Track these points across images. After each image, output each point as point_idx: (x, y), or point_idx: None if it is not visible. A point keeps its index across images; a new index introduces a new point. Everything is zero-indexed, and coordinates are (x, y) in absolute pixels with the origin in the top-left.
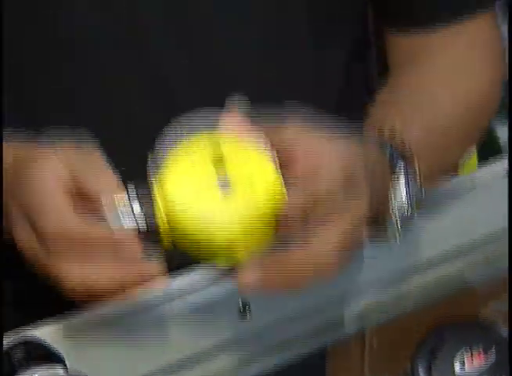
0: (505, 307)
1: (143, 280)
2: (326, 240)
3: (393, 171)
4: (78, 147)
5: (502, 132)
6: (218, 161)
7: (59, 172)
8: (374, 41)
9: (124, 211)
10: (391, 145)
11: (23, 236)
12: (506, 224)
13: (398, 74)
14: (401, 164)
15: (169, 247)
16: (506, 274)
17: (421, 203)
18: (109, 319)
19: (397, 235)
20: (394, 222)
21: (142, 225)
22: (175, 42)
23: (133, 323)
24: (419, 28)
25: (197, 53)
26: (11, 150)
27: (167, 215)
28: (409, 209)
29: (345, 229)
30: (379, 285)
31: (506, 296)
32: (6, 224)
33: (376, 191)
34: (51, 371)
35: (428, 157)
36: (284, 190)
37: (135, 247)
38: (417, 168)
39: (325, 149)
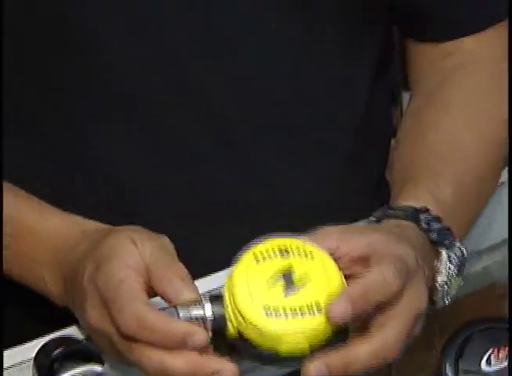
0: None
1: (216, 373)
2: (390, 337)
3: (431, 239)
4: (154, 238)
5: None
6: (283, 257)
7: (139, 267)
8: (397, 53)
9: (195, 314)
10: (426, 216)
11: (99, 320)
12: None
13: (420, 111)
14: (439, 231)
15: (234, 337)
16: None
17: (464, 264)
18: None
19: (446, 301)
20: (442, 292)
21: (211, 325)
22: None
23: None
24: (444, 39)
25: (234, 69)
26: (76, 223)
27: (233, 311)
28: (455, 277)
29: (409, 324)
30: None
31: None
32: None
33: (428, 269)
34: (88, 368)
35: (462, 216)
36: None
37: (204, 336)
38: (458, 232)
39: (388, 251)
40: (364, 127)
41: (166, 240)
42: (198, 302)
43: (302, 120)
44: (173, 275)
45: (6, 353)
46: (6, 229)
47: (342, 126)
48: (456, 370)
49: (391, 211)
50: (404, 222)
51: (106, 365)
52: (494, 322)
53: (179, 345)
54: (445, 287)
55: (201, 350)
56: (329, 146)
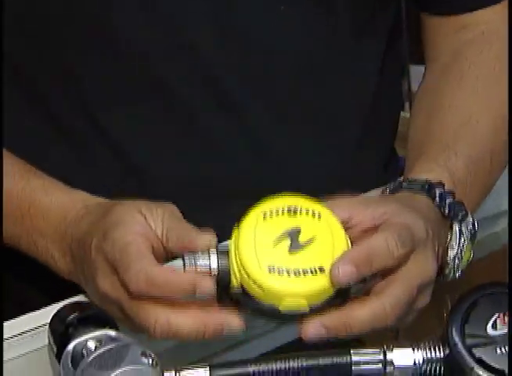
0: None
1: (222, 327)
2: (389, 302)
3: (444, 213)
4: (163, 205)
5: None
6: (291, 215)
7: (146, 233)
8: (405, 28)
9: (201, 263)
10: (440, 187)
11: (109, 288)
12: None
13: (435, 86)
14: (452, 205)
15: (237, 290)
16: None
17: (476, 237)
18: None
19: (457, 274)
20: (453, 265)
21: (215, 274)
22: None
23: None
24: (459, 11)
25: (246, 52)
26: (80, 199)
27: (238, 266)
28: (466, 246)
29: (410, 291)
30: None
31: None
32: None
33: (438, 243)
34: (103, 332)
35: (474, 191)
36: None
37: (209, 285)
38: (469, 206)
39: (398, 218)
40: (375, 102)
41: (174, 207)
42: (205, 253)
43: (314, 97)
44: (189, 230)
45: (22, 319)
46: (12, 202)
47: (354, 102)
48: (463, 335)
49: (405, 184)
50: (418, 196)
51: (120, 330)
52: (500, 287)
53: (187, 294)
54: (456, 260)
55: (206, 302)
56: (341, 122)
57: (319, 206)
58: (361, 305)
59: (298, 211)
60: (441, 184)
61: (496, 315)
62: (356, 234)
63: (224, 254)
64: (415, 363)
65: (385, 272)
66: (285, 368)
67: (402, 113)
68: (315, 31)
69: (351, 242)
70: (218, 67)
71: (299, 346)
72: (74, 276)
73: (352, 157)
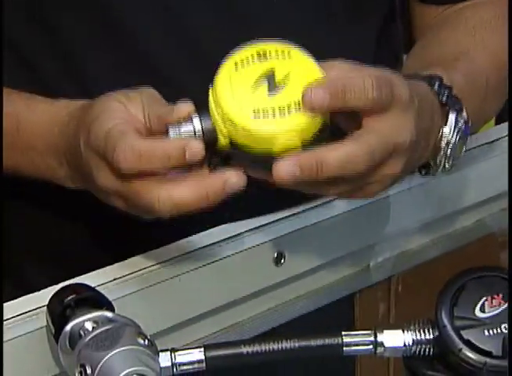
0: None
1: (223, 186)
2: (361, 149)
3: (442, 102)
4: (137, 91)
5: None
6: (262, 60)
7: (127, 117)
8: (399, 15)
9: (185, 130)
10: (439, 80)
11: (106, 180)
12: None
13: (429, 35)
14: (449, 96)
15: (226, 148)
16: None
17: (468, 133)
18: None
19: (447, 164)
20: (445, 154)
21: (201, 135)
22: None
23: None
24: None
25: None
26: (63, 106)
27: (222, 120)
28: (459, 140)
29: (384, 145)
30: (405, 235)
31: None
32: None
33: (428, 124)
34: (100, 314)
35: (470, 102)
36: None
37: (198, 145)
38: (463, 104)
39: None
40: None
41: (153, 90)
42: (187, 119)
43: None
44: (169, 107)
45: (21, 300)
46: (1, 131)
47: None
48: (451, 317)
49: (405, 77)
50: (419, 82)
51: (116, 311)
52: (488, 270)
53: (179, 161)
54: (449, 149)
55: (199, 172)
56: None
57: (287, 46)
58: (335, 147)
59: (268, 55)
60: (440, 78)
61: (484, 298)
62: None
63: (205, 115)
64: (405, 345)
65: (361, 118)
66: (277, 349)
67: None
68: (313, 17)
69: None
70: (215, 55)
71: (292, 328)
72: (76, 181)
73: None
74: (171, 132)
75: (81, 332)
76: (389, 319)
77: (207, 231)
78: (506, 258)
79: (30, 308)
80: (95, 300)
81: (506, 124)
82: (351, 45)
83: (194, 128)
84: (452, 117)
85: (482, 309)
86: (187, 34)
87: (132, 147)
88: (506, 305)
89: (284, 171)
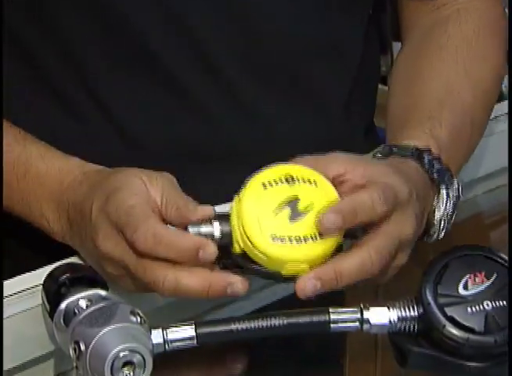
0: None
1: (226, 286)
2: (372, 254)
3: (432, 178)
4: (161, 175)
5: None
6: (289, 184)
7: (148, 198)
8: (389, 5)
9: (204, 231)
10: (428, 153)
11: (112, 249)
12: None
13: (413, 57)
14: (440, 171)
15: (239, 255)
16: None
17: (459, 199)
18: None
19: (440, 235)
20: (439, 226)
21: (218, 240)
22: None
23: None
24: None
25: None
26: (77, 165)
27: (240, 234)
28: (452, 212)
29: (390, 245)
30: None
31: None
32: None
33: (424, 205)
34: (93, 292)
35: (458, 154)
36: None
37: (214, 249)
38: (453, 171)
39: (379, 178)
40: (358, 75)
41: (173, 177)
42: (207, 221)
43: (302, 66)
44: (187, 201)
45: (18, 279)
46: (7, 168)
47: (339, 73)
48: (435, 295)
49: (395, 150)
50: (408, 160)
51: (110, 290)
52: (471, 249)
53: (192, 258)
54: (442, 222)
55: (208, 266)
56: (327, 90)
57: (315, 174)
58: (348, 256)
59: (296, 180)
60: (429, 150)
61: (467, 276)
62: (346, 189)
63: (225, 221)
64: (390, 322)
65: (368, 228)
66: (267, 326)
67: (385, 87)
68: (305, 4)
69: (340, 197)
70: (208, 40)
71: (281, 306)
72: (69, 238)
73: (336, 124)
74: (191, 229)
75: (76, 310)
76: (377, 298)
77: None
78: (491, 238)
79: (26, 286)
80: (89, 279)
81: (502, 104)
82: (342, 32)
83: (213, 232)
84: (443, 192)
85: (465, 287)
86: (186, 30)
87: (154, 231)
88: (488, 282)
89: (307, 287)
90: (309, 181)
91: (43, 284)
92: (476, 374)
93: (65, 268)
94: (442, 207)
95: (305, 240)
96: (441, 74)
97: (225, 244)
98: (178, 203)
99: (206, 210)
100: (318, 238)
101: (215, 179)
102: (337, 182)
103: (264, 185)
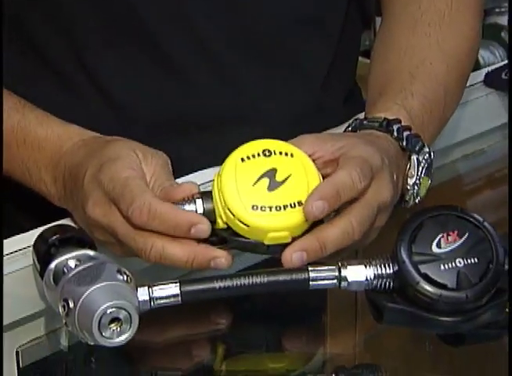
0: None
1: (210, 259)
2: (354, 221)
3: (402, 146)
4: (154, 154)
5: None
6: (266, 157)
7: (141, 173)
8: None
9: (187, 208)
10: (398, 123)
11: (101, 216)
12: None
13: (390, 32)
14: (409, 139)
15: (223, 230)
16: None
17: (432, 166)
18: None
19: (417, 200)
20: (413, 192)
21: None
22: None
23: None
24: None
25: None
26: (77, 132)
27: (223, 207)
28: (424, 176)
29: (370, 211)
30: None
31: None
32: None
33: (397, 172)
34: (82, 252)
35: (431, 125)
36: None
37: (207, 227)
38: (426, 139)
39: (357, 152)
40: (339, 48)
41: (167, 159)
42: (190, 199)
43: (286, 42)
44: (173, 182)
45: (12, 239)
46: (7, 134)
47: (322, 47)
48: (410, 253)
49: (365, 123)
50: (377, 132)
51: (98, 250)
52: (444, 209)
53: (184, 233)
54: (415, 187)
55: (196, 240)
56: (310, 65)
57: (291, 147)
58: (331, 226)
59: (272, 153)
60: (398, 120)
61: (440, 235)
62: (319, 166)
63: (207, 198)
64: (367, 279)
65: (350, 200)
66: (248, 284)
67: (368, 60)
68: None
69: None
70: (196, 13)
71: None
72: (64, 202)
73: (317, 94)
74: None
75: (65, 269)
76: (354, 257)
77: (191, 174)
78: (467, 201)
79: (17, 248)
80: (78, 239)
81: (479, 72)
82: (325, 6)
83: (196, 209)
84: (414, 158)
85: (438, 245)
86: (174, 3)
87: (150, 206)
88: (460, 241)
89: (293, 258)
90: (286, 153)
91: (33, 245)
92: (448, 328)
93: (55, 229)
94: (414, 173)
95: (285, 207)
96: (414, 48)
97: (208, 219)
98: (164, 184)
99: (189, 187)
100: (297, 206)
101: (202, 148)
102: None
103: (242, 159)
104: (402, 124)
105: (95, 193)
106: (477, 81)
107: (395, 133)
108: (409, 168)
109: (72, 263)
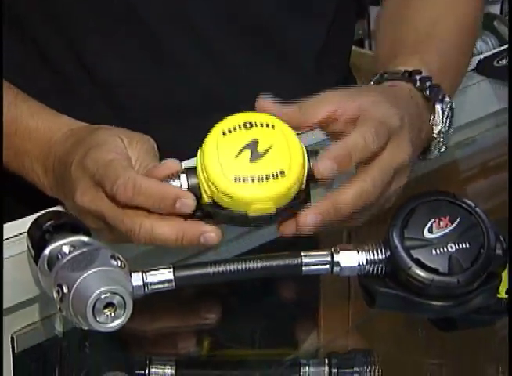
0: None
1: (199, 235)
2: (369, 183)
3: (426, 96)
4: (142, 140)
5: None
6: (247, 129)
7: (125, 155)
8: None
9: (172, 184)
10: (419, 74)
11: (89, 202)
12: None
13: (398, 3)
14: (431, 88)
15: (208, 205)
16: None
17: (453, 116)
18: None
19: (442, 149)
20: (439, 141)
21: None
22: None
23: None
24: None
25: None
26: (66, 123)
27: (206, 181)
28: (449, 124)
29: (386, 174)
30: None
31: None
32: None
33: (420, 126)
34: (76, 238)
35: (448, 77)
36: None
37: (192, 201)
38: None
39: (373, 110)
40: (331, 33)
41: (153, 142)
42: (175, 175)
43: (277, 25)
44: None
45: (6, 226)
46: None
47: (312, 30)
48: (402, 238)
49: (386, 76)
50: (400, 83)
51: (92, 236)
52: (436, 195)
53: (170, 207)
54: (441, 136)
55: (183, 217)
56: (300, 48)
57: (272, 118)
58: (346, 188)
59: (253, 125)
60: (419, 71)
61: (432, 220)
62: (341, 126)
63: (192, 174)
64: (359, 264)
65: (364, 162)
66: (242, 269)
67: (362, 50)
68: None
69: (336, 134)
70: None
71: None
72: (55, 192)
73: (308, 77)
74: None
75: (59, 255)
76: (347, 243)
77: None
78: (463, 187)
79: (11, 234)
80: (72, 225)
81: (474, 59)
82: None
83: (181, 185)
84: (438, 107)
85: (430, 230)
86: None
87: (135, 181)
88: (452, 226)
89: (308, 219)
90: (267, 125)
91: (28, 231)
92: (439, 312)
93: (49, 215)
94: (439, 122)
95: (267, 178)
96: (425, 12)
97: (193, 195)
98: (147, 166)
99: (172, 164)
100: (279, 176)
101: (191, 129)
102: (330, 121)
103: (223, 132)
104: (423, 74)
105: (82, 180)
106: (469, 68)
107: (418, 83)
108: (434, 117)
109: (66, 249)
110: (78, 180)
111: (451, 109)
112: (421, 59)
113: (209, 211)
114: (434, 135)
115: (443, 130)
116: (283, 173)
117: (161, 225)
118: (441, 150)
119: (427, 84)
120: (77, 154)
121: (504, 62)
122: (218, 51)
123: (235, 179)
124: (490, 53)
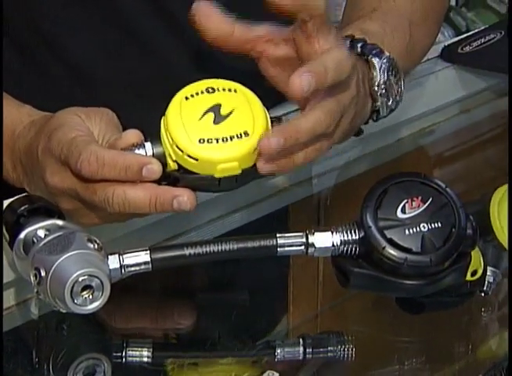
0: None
1: (173, 199)
2: (322, 113)
3: (358, 53)
4: (97, 111)
5: None
6: (210, 94)
7: (87, 131)
8: None
9: (138, 152)
10: (349, 39)
11: (59, 181)
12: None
13: None
14: (363, 46)
15: (174, 171)
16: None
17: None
18: None
19: (390, 103)
20: (381, 93)
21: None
22: None
23: None
24: None
25: None
26: (27, 113)
27: (171, 146)
28: (390, 77)
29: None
30: (334, 152)
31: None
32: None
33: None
34: (51, 222)
35: (393, 46)
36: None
37: (158, 166)
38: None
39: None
40: None
41: (112, 113)
42: (139, 143)
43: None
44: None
45: None
46: None
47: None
48: (375, 219)
49: None
50: None
51: (70, 220)
52: (408, 176)
53: (136, 175)
54: (383, 88)
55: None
56: None
57: (235, 84)
58: (303, 117)
59: (216, 90)
60: (350, 35)
61: (405, 200)
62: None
63: (156, 141)
64: (333, 245)
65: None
66: (218, 250)
67: None
68: None
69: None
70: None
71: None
72: (26, 185)
73: None
74: None
75: (34, 239)
76: (320, 225)
77: None
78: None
79: None
80: (46, 209)
81: (435, 47)
82: None
83: (146, 153)
84: (374, 60)
85: (403, 211)
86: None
87: (97, 155)
88: (424, 206)
89: (272, 145)
90: (229, 89)
91: (2, 216)
92: (412, 291)
93: (23, 200)
94: (378, 75)
95: (231, 138)
96: None
97: (160, 163)
98: (110, 136)
99: (134, 134)
100: (243, 136)
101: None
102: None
103: (186, 97)
104: (355, 37)
105: (49, 162)
106: (433, 56)
107: (348, 45)
108: (372, 71)
109: (41, 233)
110: (46, 163)
111: (389, 60)
112: (358, 26)
113: (176, 176)
114: (375, 89)
115: (384, 82)
116: (246, 133)
117: (134, 190)
118: (390, 105)
119: (358, 43)
120: (41, 141)
121: (468, 48)
122: (184, 28)
123: (199, 141)
124: (455, 40)
